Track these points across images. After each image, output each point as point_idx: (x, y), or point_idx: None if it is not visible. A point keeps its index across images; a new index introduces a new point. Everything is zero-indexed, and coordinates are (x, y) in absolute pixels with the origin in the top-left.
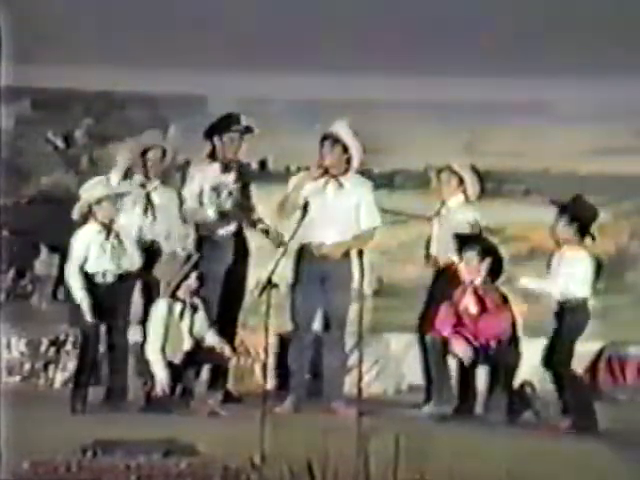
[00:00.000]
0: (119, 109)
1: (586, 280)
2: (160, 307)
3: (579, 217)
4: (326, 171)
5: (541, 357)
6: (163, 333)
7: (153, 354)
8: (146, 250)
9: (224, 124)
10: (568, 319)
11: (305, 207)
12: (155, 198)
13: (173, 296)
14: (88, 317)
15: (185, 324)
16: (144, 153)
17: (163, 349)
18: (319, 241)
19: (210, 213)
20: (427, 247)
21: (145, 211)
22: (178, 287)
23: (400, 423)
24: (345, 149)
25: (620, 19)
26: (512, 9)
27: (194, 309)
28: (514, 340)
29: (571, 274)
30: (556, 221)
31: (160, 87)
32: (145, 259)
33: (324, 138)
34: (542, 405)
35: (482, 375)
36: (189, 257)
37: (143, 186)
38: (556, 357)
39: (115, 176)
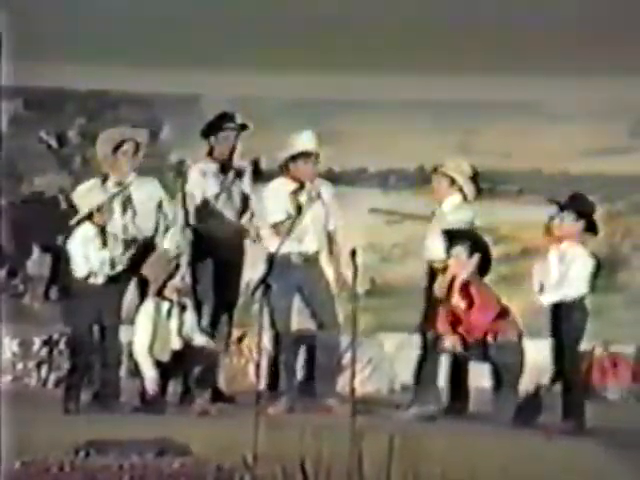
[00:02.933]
0: (112, 108)
1: (585, 277)
2: (147, 306)
3: (585, 213)
4: (301, 184)
5: (551, 360)
6: (151, 332)
7: (140, 353)
8: (134, 247)
9: (219, 123)
10: (569, 318)
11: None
12: (133, 193)
13: (160, 295)
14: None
15: (173, 323)
16: (116, 149)
17: (151, 348)
18: (301, 250)
19: (208, 212)
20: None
21: (124, 208)
22: (164, 286)
23: (393, 423)
24: (317, 159)
25: (615, 20)
26: (510, 9)
27: (182, 308)
28: (517, 338)
29: (572, 271)
30: (558, 218)
31: (153, 86)
32: (134, 257)
33: (296, 156)
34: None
35: (484, 373)
36: (177, 256)
37: (120, 183)
38: (565, 359)
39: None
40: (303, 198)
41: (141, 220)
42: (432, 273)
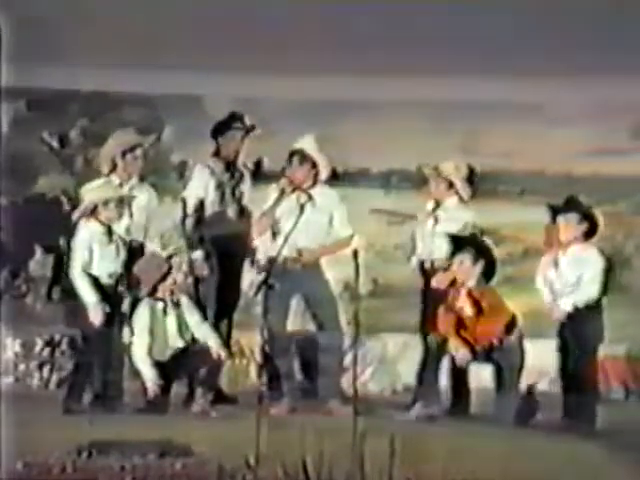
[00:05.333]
0: (114, 109)
1: (598, 279)
2: (141, 309)
3: (588, 215)
4: (295, 186)
5: (556, 363)
6: (148, 333)
7: (139, 355)
8: (129, 250)
9: (227, 122)
10: (586, 321)
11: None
12: (134, 198)
13: (153, 296)
14: (97, 317)
15: (171, 321)
16: (125, 152)
17: (150, 349)
18: (293, 256)
19: (210, 212)
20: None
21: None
22: (155, 288)
23: (395, 423)
24: (313, 164)
25: (615, 19)
26: (510, 9)
27: (177, 306)
28: (518, 339)
29: (587, 274)
30: (566, 220)
31: (156, 87)
32: (128, 259)
33: (292, 154)
34: (545, 407)
35: (486, 374)
36: (170, 257)
37: (121, 185)
38: (574, 362)
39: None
40: (285, 203)
41: (137, 224)
42: (426, 273)
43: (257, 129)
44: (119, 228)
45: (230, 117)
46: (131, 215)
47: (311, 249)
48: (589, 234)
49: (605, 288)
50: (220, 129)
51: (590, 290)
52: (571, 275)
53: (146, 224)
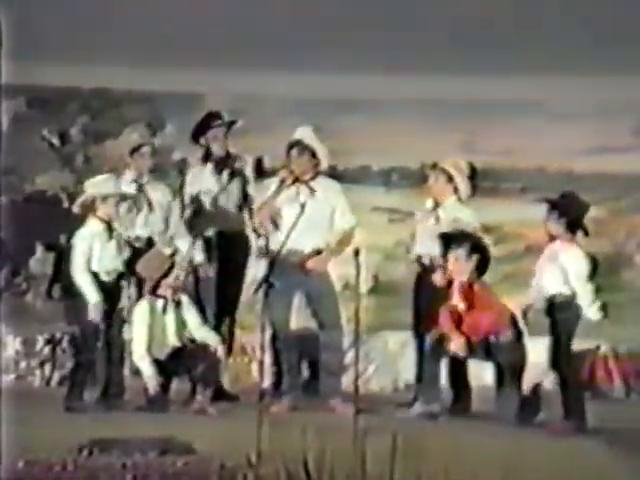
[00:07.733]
0: (115, 107)
1: (577, 277)
2: (141, 306)
3: (568, 213)
4: (296, 178)
5: (547, 358)
6: (147, 331)
7: (138, 353)
8: (139, 247)
9: (206, 122)
10: (557, 316)
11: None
12: (151, 194)
13: (154, 293)
14: (96, 316)
15: (170, 320)
16: (134, 151)
17: (149, 347)
18: (296, 249)
19: (211, 209)
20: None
21: (140, 208)
22: (157, 285)
23: (397, 421)
24: (313, 154)
25: (616, 19)
26: (511, 8)
27: (177, 304)
28: (517, 336)
29: (561, 270)
30: (547, 218)
31: (157, 85)
32: (134, 255)
33: (291, 146)
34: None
35: (487, 372)
36: (173, 254)
37: (136, 182)
38: (559, 357)
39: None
40: (285, 194)
41: (154, 220)
42: (425, 270)
43: (238, 122)
44: (135, 225)
45: (208, 116)
46: (151, 210)
47: (320, 257)
48: (572, 230)
49: (596, 288)
50: (200, 130)
51: (561, 287)
52: (548, 270)
53: (164, 221)
